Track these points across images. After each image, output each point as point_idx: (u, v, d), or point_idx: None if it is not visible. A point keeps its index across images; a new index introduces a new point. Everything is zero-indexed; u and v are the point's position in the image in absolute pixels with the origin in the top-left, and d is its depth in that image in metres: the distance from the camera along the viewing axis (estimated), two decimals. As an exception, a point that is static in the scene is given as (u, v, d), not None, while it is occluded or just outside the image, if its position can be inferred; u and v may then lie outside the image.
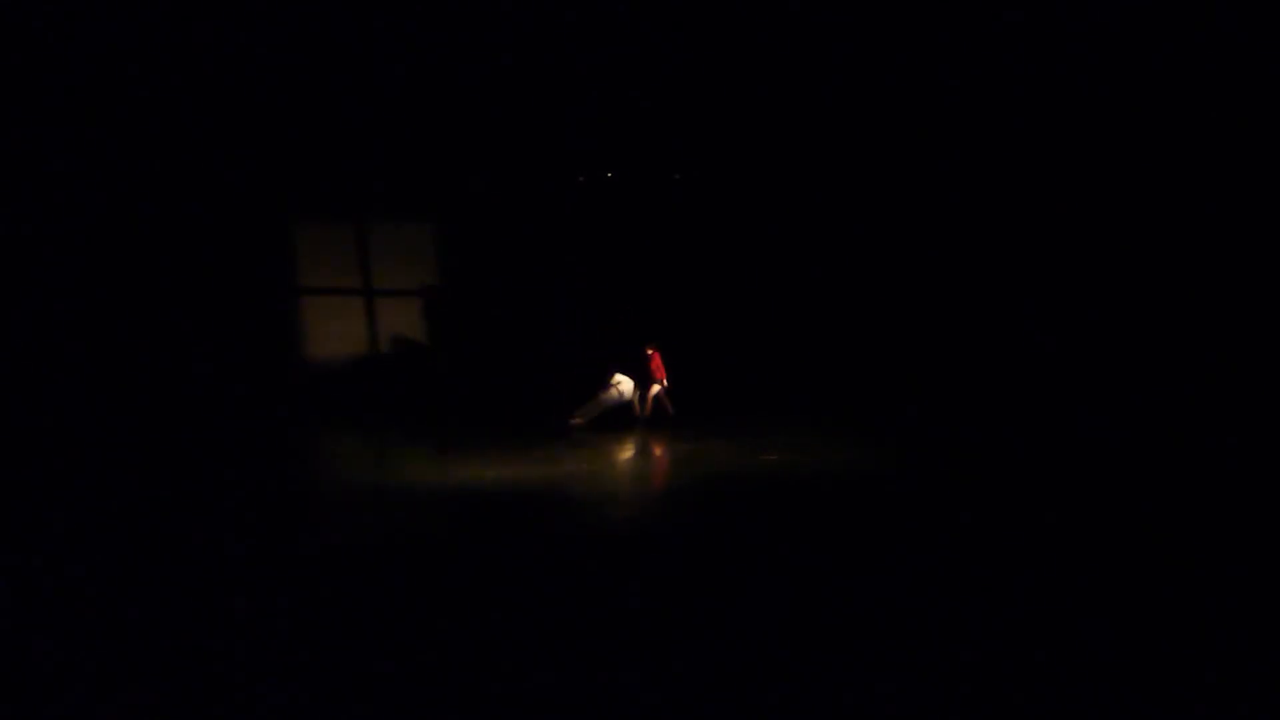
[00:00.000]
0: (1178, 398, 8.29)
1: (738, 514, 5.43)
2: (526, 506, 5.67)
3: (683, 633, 3.30)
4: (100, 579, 4.15)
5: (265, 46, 8.96)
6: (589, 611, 3.58)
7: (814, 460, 6.79)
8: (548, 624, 3.42)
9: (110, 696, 2.90)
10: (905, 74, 9.54)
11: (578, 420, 7.84)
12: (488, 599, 3.80)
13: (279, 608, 3.75)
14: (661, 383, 8.11)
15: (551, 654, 3.12)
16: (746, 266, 11.66)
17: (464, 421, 9.98)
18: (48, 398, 9.61)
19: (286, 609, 3.73)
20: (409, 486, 6.56)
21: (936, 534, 4.76)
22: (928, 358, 10.72)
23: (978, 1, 8.74)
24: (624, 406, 7.94)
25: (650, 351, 8.29)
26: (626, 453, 7.56)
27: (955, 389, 9.97)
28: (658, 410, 8.41)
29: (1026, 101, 9.55)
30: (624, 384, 7.78)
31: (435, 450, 7.93)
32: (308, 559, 4.60)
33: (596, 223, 12.16)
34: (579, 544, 4.75)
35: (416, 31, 8.99)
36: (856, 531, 4.93)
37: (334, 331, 11.55)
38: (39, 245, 9.64)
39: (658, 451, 7.50)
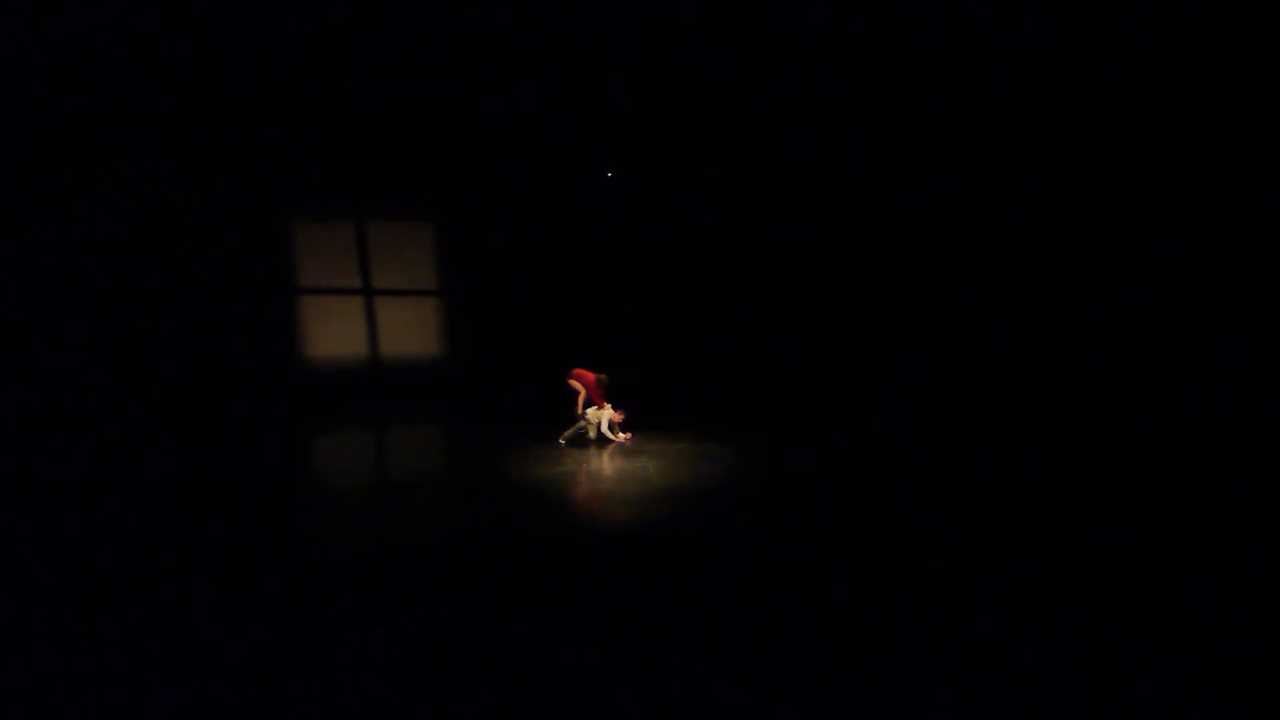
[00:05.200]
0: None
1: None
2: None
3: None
4: (99, 576, 4.17)
5: (265, 45, 8.95)
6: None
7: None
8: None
9: (110, 696, 2.91)
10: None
11: (564, 439, 8.06)
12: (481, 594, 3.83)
13: (280, 607, 3.77)
14: (597, 404, 8.14)
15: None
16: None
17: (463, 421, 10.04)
18: (47, 397, 9.61)
19: (287, 609, 3.75)
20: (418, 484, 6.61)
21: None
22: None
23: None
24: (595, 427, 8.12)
25: (588, 375, 8.29)
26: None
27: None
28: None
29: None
30: (593, 414, 8.02)
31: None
32: (308, 558, 4.61)
33: (596, 223, 12.19)
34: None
35: (416, 30, 8.97)
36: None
37: (334, 331, 11.56)
38: (39, 244, 9.64)
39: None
